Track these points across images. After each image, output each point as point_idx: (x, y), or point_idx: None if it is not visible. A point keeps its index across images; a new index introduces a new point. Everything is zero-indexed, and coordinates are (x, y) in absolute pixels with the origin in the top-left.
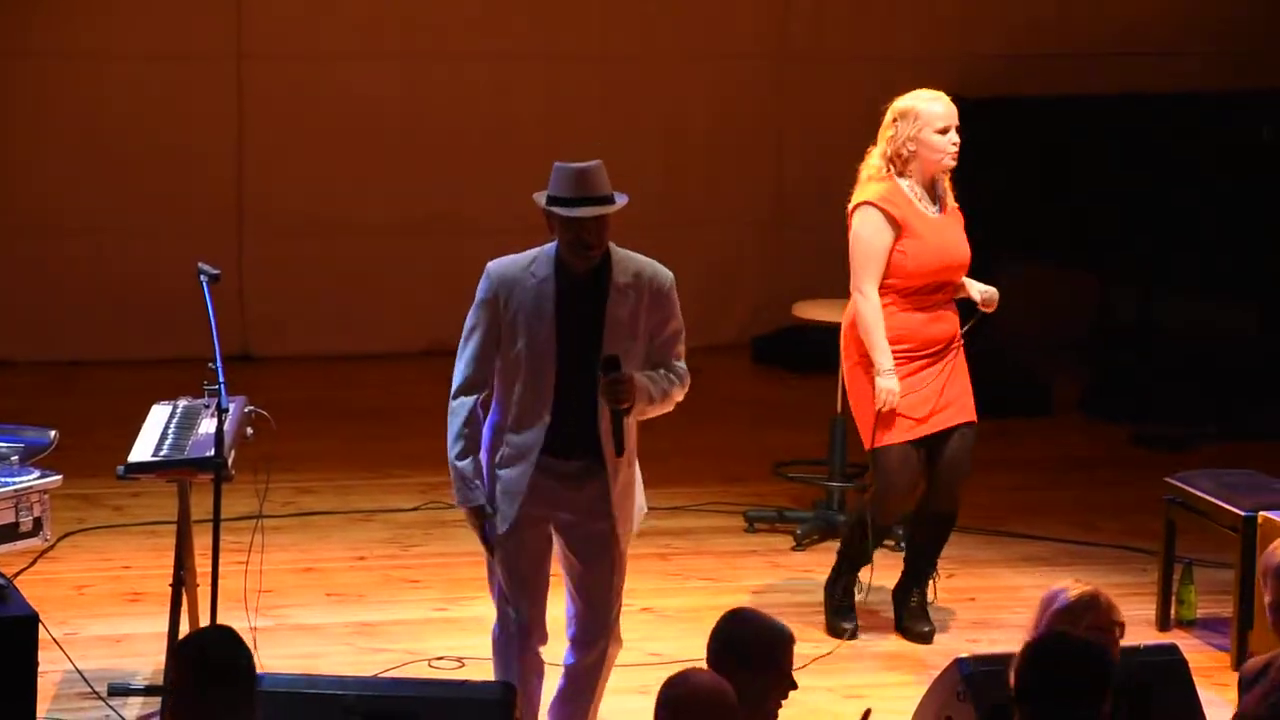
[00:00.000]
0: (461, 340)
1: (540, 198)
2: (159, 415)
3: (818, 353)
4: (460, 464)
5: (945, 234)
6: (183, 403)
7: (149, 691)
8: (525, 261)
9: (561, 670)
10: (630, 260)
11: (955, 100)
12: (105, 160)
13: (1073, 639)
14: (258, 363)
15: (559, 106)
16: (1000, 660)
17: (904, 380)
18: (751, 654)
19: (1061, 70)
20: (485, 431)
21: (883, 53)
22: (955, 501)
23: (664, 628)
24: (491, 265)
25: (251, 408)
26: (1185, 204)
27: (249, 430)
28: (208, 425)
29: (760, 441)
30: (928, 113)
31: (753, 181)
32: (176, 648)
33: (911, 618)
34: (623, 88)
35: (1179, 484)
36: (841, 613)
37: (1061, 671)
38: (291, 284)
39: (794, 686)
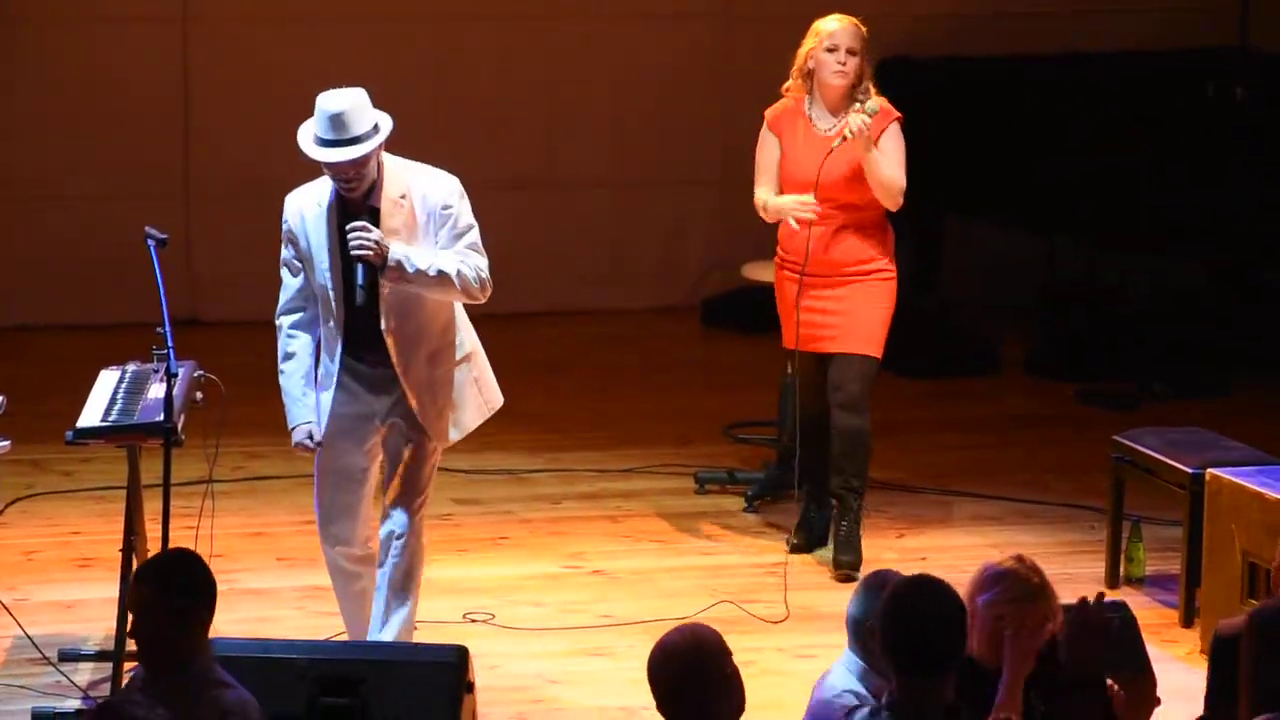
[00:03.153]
0: (282, 291)
1: (305, 132)
2: (108, 380)
3: (767, 314)
4: (286, 384)
5: (831, 156)
6: (131, 368)
7: (100, 657)
8: (315, 190)
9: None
10: (403, 173)
11: (902, 60)
12: (50, 124)
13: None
14: (206, 327)
15: (507, 67)
16: None
17: (797, 293)
18: None
19: (1008, 30)
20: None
21: (829, 13)
22: (842, 418)
23: (615, 589)
24: (288, 197)
25: (201, 372)
26: (1131, 162)
27: (198, 395)
28: (157, 390)
29: (710, 403)
30: (823, 29)
31: (701, 142)
32: (137, 572)
33: (836, 548)
34: (571, 48)
35: (1127, 442)
36: (797, 524)
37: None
38: (239, 248)
39: None
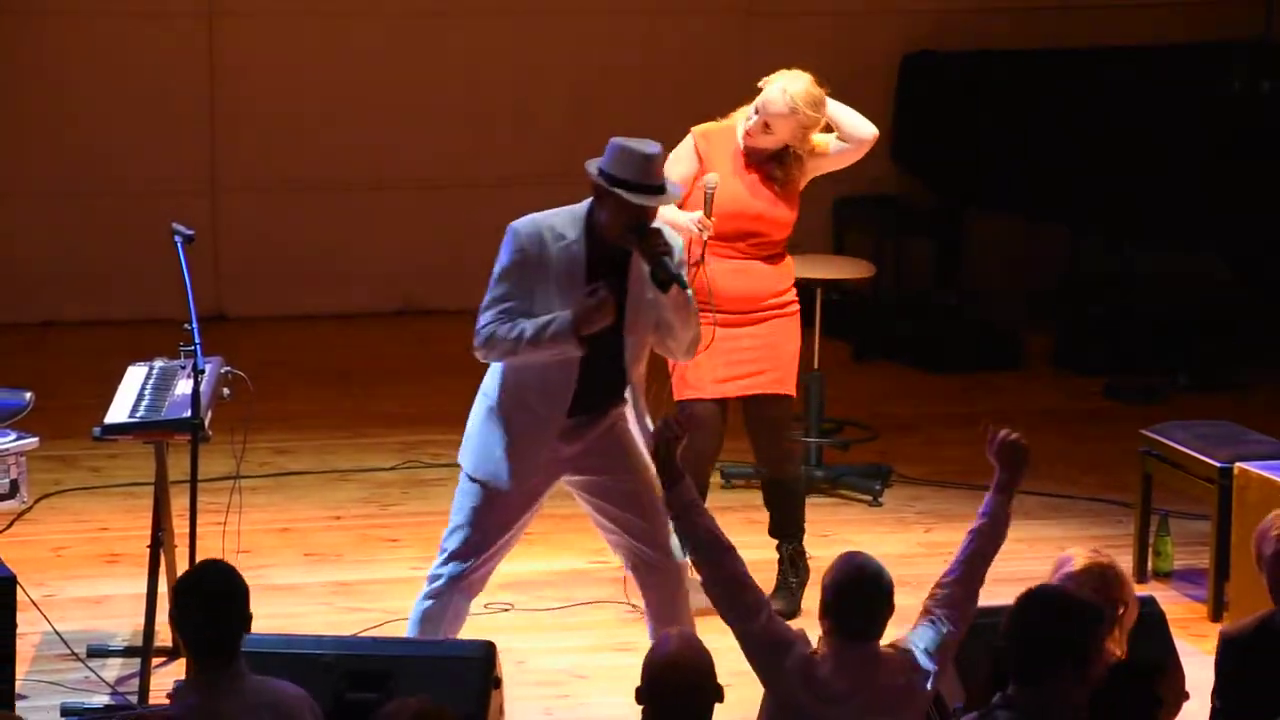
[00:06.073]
0: (487, 301)
1: (592, 167)
2: (135, 376)
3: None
4: (532, 331)
5: (749, 187)
6: (159, 364)
7: (128, 652)
8: (551, 223)
9: (642, 602)
10: None
11: (927, 54)
12: (77, 119)
13: (1063, 594)
14: (233, 323)
15: (530, 62)
16: (979, 613)
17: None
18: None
19: (1031, 23)
20: (497, 390)
21: (851, 7)
22: (782, 470)
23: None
24: (518, 226)
25: (228, 368)
26: (1154, 155)
27: (226, 391)
28: (184, 386)
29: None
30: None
31: None
32: (177, 583)
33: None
34: (593, 43)
35: (1154, 436)
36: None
37: (1043, 626)
38: (266, 244)
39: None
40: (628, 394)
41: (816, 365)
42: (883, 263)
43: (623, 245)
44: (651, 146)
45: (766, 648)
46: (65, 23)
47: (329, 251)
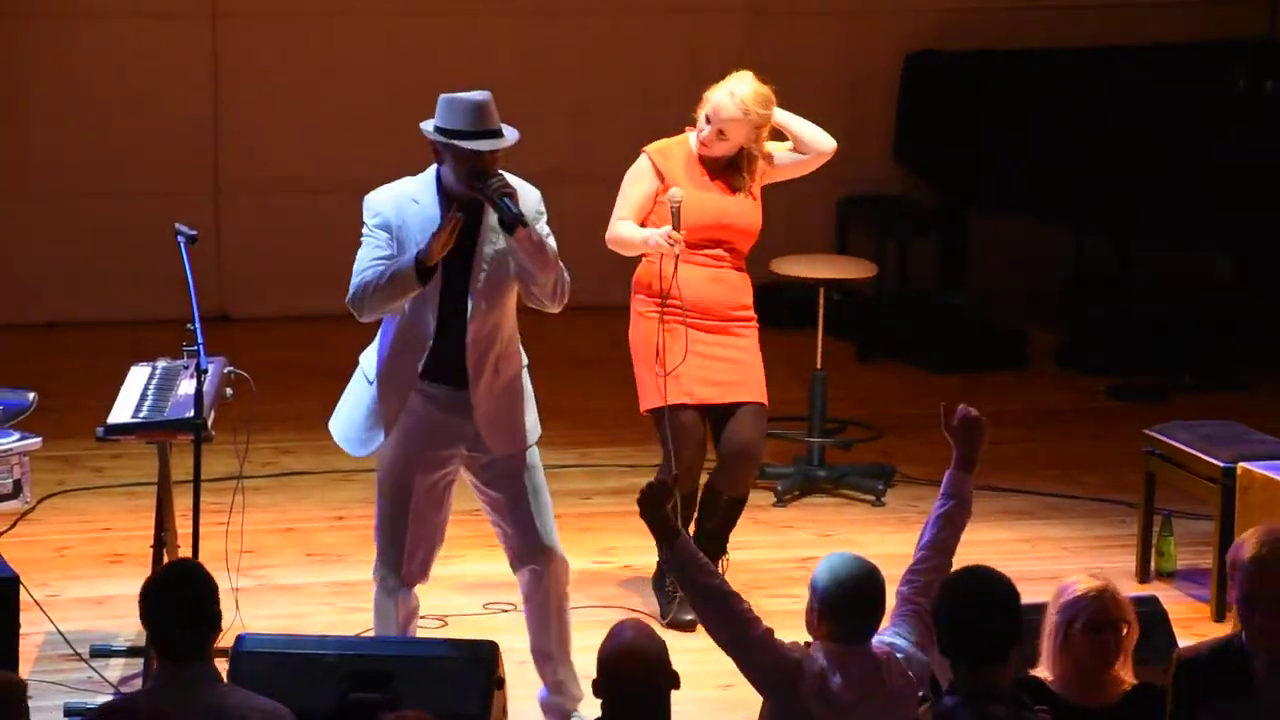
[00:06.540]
0: (355, 269)
1: (427, 125)
2: (138, 376)
3: (796, 309)
4: (374, 275)
5: (714, 196)
6: (161, 364)
7: (131, 653)
8: (404, 189)
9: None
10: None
11: (931, 54)
12: (81, 120)
13: (984, 580)
14: (236, 323)
15: (535, 61)
16: None
17: (679, 339)
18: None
19: (1036, 22)
20: (370, 357)
21: (853, 7)
22: (742, 487)
23: (645, 584)
24: (371, 195)
25: (231, 368)
26: (1160, 155)
27: (228, 391)
28: (187, 386)
29: None
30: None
31: None
32: (145, 585)
33: (682, 607)
34: (598, 42)
35: (1158, 436)
36: (678, 603)
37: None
38: (269, 244)
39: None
40: (513, 368)
41: (819, 365)
42: (885, 262)
43: (468, 196)
44: (480, 94)
45: (774, 675)
46: (68, 23)
47: (332, 252)
